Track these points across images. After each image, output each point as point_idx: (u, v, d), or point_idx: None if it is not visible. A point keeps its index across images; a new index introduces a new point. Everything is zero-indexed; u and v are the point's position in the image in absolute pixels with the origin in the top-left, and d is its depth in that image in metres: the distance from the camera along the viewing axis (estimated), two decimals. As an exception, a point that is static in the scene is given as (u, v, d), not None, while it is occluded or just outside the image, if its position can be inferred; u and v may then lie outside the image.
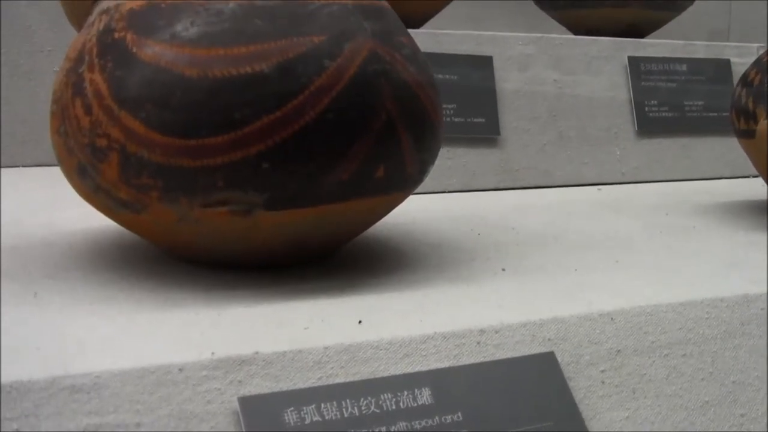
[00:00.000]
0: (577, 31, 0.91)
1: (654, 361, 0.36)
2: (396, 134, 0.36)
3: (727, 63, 0.84)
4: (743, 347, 0.38)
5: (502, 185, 0.72)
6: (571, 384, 0.34)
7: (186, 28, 0.34)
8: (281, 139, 0.33)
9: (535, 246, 0.49)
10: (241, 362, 0.29)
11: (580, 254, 0.47)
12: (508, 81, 0.73)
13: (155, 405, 0.28)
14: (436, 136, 0.40)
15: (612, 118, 0.78)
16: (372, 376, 0.31)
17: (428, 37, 0.70)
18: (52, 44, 0.76)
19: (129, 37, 0.35)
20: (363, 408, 0.29)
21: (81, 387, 0.27)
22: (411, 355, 0.32)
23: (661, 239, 0.52)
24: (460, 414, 0.30)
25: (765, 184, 0.64)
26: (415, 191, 0.42)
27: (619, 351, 0.36)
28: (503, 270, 0.43)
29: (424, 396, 0.30)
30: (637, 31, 0.90)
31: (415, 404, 0.30)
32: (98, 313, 0.34)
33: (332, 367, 0.30)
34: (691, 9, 0.94)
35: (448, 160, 0.69)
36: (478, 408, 0.31)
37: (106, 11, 0.37)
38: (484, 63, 0.72)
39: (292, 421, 0.28)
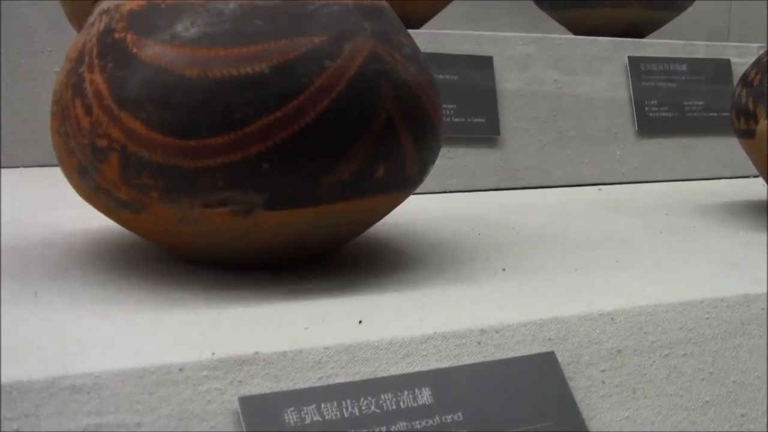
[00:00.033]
0: (577, 31, 0.91)
1: (654, 361, 0.36)
2: (396, 134, 0.36)
3: (727, 63, 0.84)
4: (743, 347, 0.38)
5: (502, 185, 0.72)
6: (571, 384, 0.34)
7: (186, 28, 0.34)
8: (281, 139, 0.33)
9: (536, 246, 0.49)
10: (242, 362, 0.29)
11: (581, 254, 0.47)
12: (508, 81, 0.73)
13: (155, 405, 0.28)
14: (437, 136, 0.40)
15: (612, 118, 0.78)
16: (372, 376, 0.31)
17: (428, 37, 0.70)
18: (52, 44, 0.76)
19: (129, 37, 0.35)
20: (363, 408, 0.29)
21: (81, 387, 0.27)
22: (411, 355, 0.32)
23: (662, 239, 0.52)
24: (460, 414, 0.30)
25: (765, 184, 0.64)
26: (415, 191, 0.42)
27: (619, 351, 0.36)
28: (503, 270, 0.43)
29: (425, 396, 0.30)
30: (637, 31, 0.90)
31: (416, 404, 0.30)
32: (98, 313, 0.34)
33: (332, 367, 0.30)
34: (691, 9, 0.94)
35: (449, 160, 0.69)
36: (479, 408, 0.31)
37: (106, 11, 0.37)
38: (485, 63, 0.72)
39: (292, 421, 0.28)
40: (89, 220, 0.47)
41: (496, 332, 0.34)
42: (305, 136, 0.34)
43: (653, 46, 0.82)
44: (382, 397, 0.30)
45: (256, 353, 0.30)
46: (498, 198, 0.68)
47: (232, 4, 0.35)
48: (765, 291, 0.40)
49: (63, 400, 0.27)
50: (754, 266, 0.45)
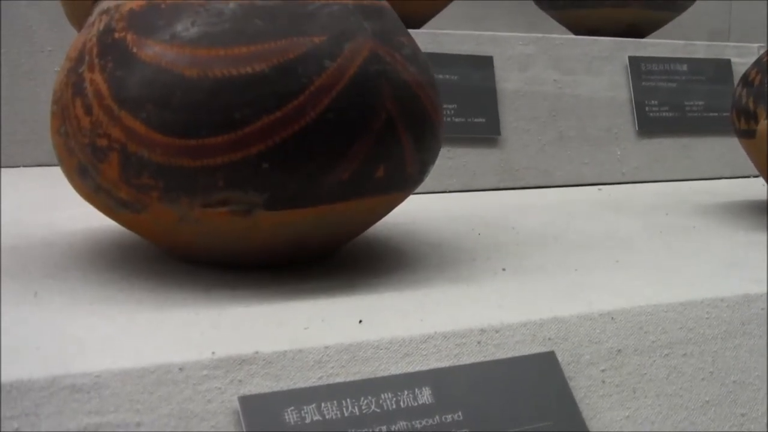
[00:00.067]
0: (577, 31, 0.91)
1: (654, 361, 0.36)
2: (396, 134, 0.36)
3: (727, 63, 0.84)
4: (744, 347, 0.38)
5: (502, 185, 0.72)
6: (571, 383, 0.34)
7: (186, 28, 0.34)
8: (281, 139, 0.33)
9: (536, 246, 0.49)
10: (242, 362, 0.29)
11: (581, 254, 0.47)
12: (508, 81, 0.73)
13: (155, 404, 0.28)
14: (437, 136, 0.40)
15: (612, 118, 0.78)
16: (372, 376, 0.31)
17: (428, 37, 0.70)
18: (52, 44, 0.76)
19: (129, 37, 0.35)
20: (363, 407, 0.29)
21: (81, 386, 0.27)
22: (411, 354, 0.32)
23: (662, 239, 0.52)
24: (460, 413, 0.30)
25: (765, 184, 0.64)
26: (415, 191, 0.42)
27: (619, 351, 0.36)
28: (503, 270, 0.43)
29: (425, 395, 0.30)
30: (638, 31, 0.90)
31: (416, 404, 0.30)
32: (98, 312, 0.34)
33: (333, 367, 0.30)
34: (691, 9, 0.94)
35: (449, 160, 0.69)
36: (479, 407, 0.31)
37: (106, 11, 0.37)
38: (485, 63, 0.72)
39: (292, 420, 0.28)
40: (89, 220, 0.47)
41: (496, 332, 0.34)
42: (305, 136, 0.34)
43: (653, 46, 0.82)
44: (383, 396, 0.30)
45: (257, 353, 0.30)
46: (498, 198, 0.68)
47: (232, 4, 0.35)
48: (765, 291, 0.40)
49: (63, 400, 0.27)
50: (754, 266, 0.45)
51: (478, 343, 0.33)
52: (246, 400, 0.28)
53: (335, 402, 0.29)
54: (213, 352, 0.29)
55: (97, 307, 0.34)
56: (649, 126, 0.79)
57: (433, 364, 0.32)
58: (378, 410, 0.29)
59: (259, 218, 0.35)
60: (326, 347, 0.31)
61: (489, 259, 0.45)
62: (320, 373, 0.30)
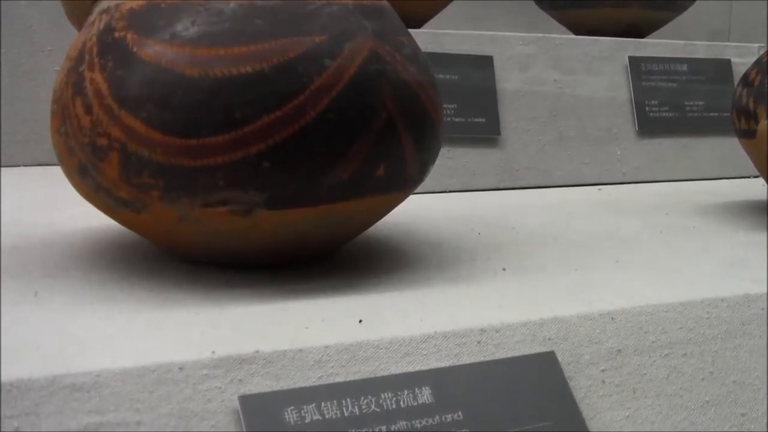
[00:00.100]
0: (577, 31, 0.91)
1: (654, 361, 0.36)
2: (396, 134, 0.36)
3: (727, 63, 0.84)
4: (744, 347, 0.38)
5: (502, 185, 0.72)
6: (571, 383, 0.34)
7: (186, 27, 0.34)
8: (282, 138, 0.33)
9: (536, 246, 0.49)
10: (242, 361, 0.29)
11: (581, 254, 0.47)
12: (508, 81, 0.73)
13: (156, 403, 0.28)
14: (437, 135, 0.40)
15: (612, 118, 0.78)
16: (372, 375, 0.31)
17: (428, 37, 0.70)
18: (52, 44, 0.76)
19: (129, 36, 0.35)
20: (363, 407, 0.29)
21: (81, 385, 0.27)
22: (411, 354, 0.32)
23: (662, 239, 0.52)
24: (460, 413, 0.30)
25: (765, 184, 0.64)
26: (415, 191, 0.42)
27: (619, 350, 0.36)
28: (504, 270, 0.43)
29: (425, 395, 0.30)
30: (638, 31, 0.90)
31: (416, 403, 0.30)
32: (98, 312, 0.34)
33: (333, 366, 0.30)
34: (691, 9, 0.94)
35: (449, 160, 0.69)
36: (479, 407, 0.31)
37: (106, 11, 0.37)
38: (485, 63, 0.72)
39: (292, 420, 0.28)
40: (89, 220, 0.47)
41: (497, 332, 0.34)
42: (305, 136, 0.34)
43: (654, 46, 0.82)
44: (383, 396, 0.30)
45: (257, 352, 0.30)
46: (498, 198, 0.68)
47: (232, 4, 0.35)
48: (765, 291, 0.40)
49: (63, 399, 0.27)
50: (754, 266, 0.45)
51: (478, 343, 0.33)
52: (246, 400, 0.28)
53: (335, 401, 0.29)
54: (213, 352, 0.29)
55: (97, 306, 0.34)
56: (649, 126, 0.79)
57: (433, 363, 0.32)
58: (378, 410, 0.29)
59: (260, 218, 0.35)
60: (326, 347, 0.31)
61: (489, 259, 0.45)
62: (320, 372, 0.30)
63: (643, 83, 0.79)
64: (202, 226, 0.35)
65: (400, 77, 0.37)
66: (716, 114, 0.82)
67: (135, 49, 0.34)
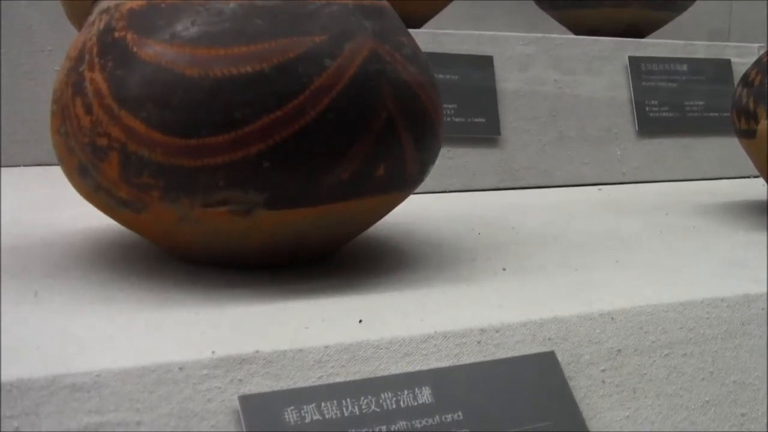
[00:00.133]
0: (577, 31, 0.91)
1: (654, 361, 0.36)
2: (396, 134, 0.36)
3: (727, 63, 0.84)
4: (744, 347, 0.38)
5: (502, 185, 0.72)
6: (571, 383, 0.34)
7: (186, 27, 0.34)
8: (282, 138, 0.33)
9: (536, 246, 0.49)
10: (242, 361, 0.29)
11: (581, 254, 0.47)
12: (508, 81, 0.73)
13: (156, 403, 0.28)
14: (437, 135, 0.40)
15: (612, 118, 0.78)
16: (372, 375, 0.31)
17: (428, 37, 0.70)
18: (52, 44, 0.76)
19: (129, 36, 0.35)
20: (363, 407, 0.29)
21: (81, 385, 0.27)
22: (411, 354, 0.32)
23: (662, 239, 0.52)
24: (460, 413, 0.30)
25: (765, 184, 0.64)
26: (415, 191, 0.42)
27: (619, 350, 0.36)
28: (504, 270, 0.43)
29: (425, 395, 0.30)
30: (638, 31, 0.90)
31: (416, 403, 0.30)
32: (98, 312, 0.34)
33: (333, 366, 0.30)
34: (691, 9, 0.94)
35: (449, 160, 0.69)
36: (479, 407, 0.31)
37: (106, 11, 0.37)
38: (485, 63, 0.72)
39: (292, 419, 0.28)
40: (89, 220, 0.47)
41: (497, 332, 0.34)
42: (305, 136, 0.34)
43: (654, 46, 0.82)
44: (383, 396, 0.30)
45: (257, 352, 0.30)
46: (498, 198, 0.68)
47: (232, 4, 0.35)
48: (765, 291, 0.40)
49: (63, 399, 0.27)
50: (754, 266, 0.45)
51: (478, 343, 0.33)
52: (246, 400, 0.28)
53: (335, 401, 0.29)
54: (213, 352, 0.29)
55: (97, 306, 0.34)
56: (649, 126, 0.79)
57: (433, 363, 0.32)
58: (378, 410, 0.29)
59: (260, 218, 0.35)
60: (326, 347, 0.31)
61: (489, 259, 0.45)
62: (320, 372, 0.30)
63: (643, 83, 0.79)
64: (202, 226, 0.35)
65: (400, 77, 0.37)
66: (716, 114, 0.82)
67: (135, 49, 0.34)
